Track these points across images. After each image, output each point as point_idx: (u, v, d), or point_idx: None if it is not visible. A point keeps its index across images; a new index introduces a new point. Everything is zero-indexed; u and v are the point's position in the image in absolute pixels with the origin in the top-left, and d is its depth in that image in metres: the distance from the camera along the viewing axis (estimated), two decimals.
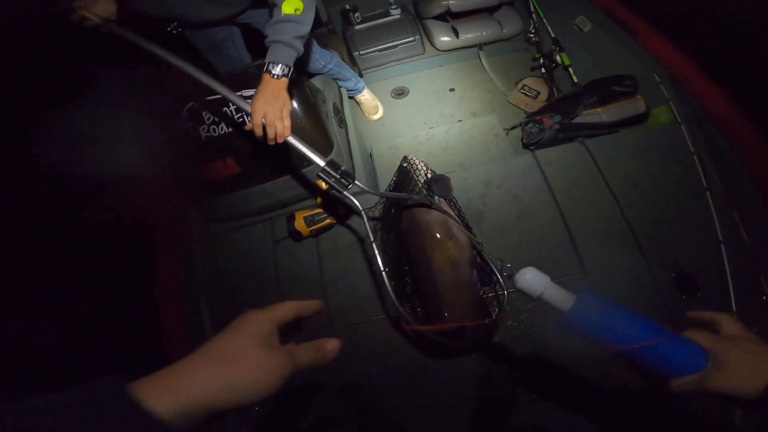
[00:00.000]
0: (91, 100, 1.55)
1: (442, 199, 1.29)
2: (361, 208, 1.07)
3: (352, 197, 1.07)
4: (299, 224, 1.54)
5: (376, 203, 1.36)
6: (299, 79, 1.47)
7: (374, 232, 1.16)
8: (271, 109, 1.04)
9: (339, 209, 1.54)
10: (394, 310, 1.37)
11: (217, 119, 1.41)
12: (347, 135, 1.77)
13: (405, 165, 1.33)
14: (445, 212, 1.24)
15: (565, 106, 1.83)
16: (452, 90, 2.24)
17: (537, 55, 2.26)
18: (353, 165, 1.70)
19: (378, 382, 1.39)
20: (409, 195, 1.21)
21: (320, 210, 1.54)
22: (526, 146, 1.82)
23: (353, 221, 1.55)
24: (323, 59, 1.75)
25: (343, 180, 1.04)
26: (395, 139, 1.85)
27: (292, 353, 0.41)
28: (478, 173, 1.62)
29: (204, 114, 1.40)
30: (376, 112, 2.15)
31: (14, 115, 1.41)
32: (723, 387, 0.55)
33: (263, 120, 1.05)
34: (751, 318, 1.31)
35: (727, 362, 0.56)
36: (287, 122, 1.07)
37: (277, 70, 1.06)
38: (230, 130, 1.41)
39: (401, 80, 2.35)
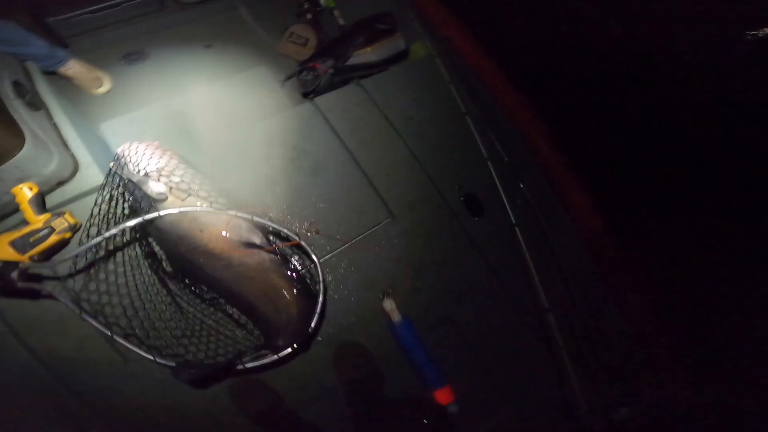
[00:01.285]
0: None
1: (177, 185, 1.01)
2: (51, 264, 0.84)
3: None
4: (6, 254, 1.01)
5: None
6: None
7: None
8: None
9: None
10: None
11: None
12: (51, 119, 1.22)
13: (111, 166, 1.04)
14: (182, 206, 0.97)
15: (335, 49, 1.73)
16: (209, 46, 1.84)
17: (301, 0, 2.09)
18: (72, 155, 1.18)
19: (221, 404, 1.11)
20: (105, 235, 0.86)
21: (36, 222, 1.04)
22: (304, 96, 1.65)
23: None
24: None
25: None
26: (138, 111, 1.39)
27: None
28: (256, 133, 1.36)
29: None
30: (100, 84, 1.55)
31: None
32: None
33: None
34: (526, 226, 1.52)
35: None
36: None
37: None
38: None
39: (136, 42, 1.77)
